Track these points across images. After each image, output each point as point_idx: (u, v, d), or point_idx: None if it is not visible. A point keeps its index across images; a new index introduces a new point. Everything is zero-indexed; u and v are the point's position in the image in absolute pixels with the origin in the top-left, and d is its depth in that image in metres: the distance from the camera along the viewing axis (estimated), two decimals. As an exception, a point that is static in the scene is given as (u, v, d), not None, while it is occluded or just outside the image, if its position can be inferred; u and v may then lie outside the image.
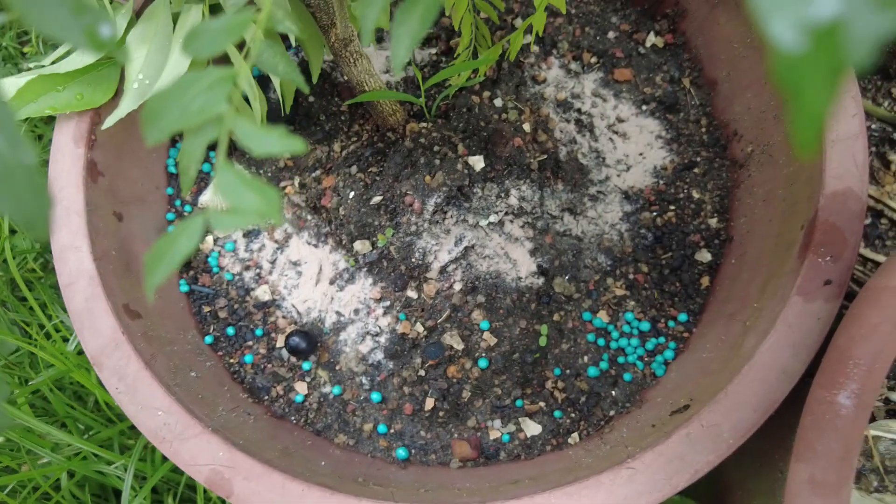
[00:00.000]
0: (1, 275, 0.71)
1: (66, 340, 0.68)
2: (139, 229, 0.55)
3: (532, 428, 0.50)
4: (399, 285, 0.53)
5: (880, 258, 0.55)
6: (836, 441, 0.34)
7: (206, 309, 0.55)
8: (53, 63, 0.51)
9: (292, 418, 0.52)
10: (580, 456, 0.46)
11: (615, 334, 0.53)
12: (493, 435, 0.51)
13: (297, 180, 0.57)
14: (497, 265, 0.53)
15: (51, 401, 0.63)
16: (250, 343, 0.54)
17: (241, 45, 0.46)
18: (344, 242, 0.55)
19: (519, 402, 0.51)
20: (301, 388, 0.53)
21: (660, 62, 0.61)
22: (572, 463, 0.46)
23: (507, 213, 0.53)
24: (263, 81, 0.60)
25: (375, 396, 0.52)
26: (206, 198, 0.59)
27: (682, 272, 0.54)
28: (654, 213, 0.56)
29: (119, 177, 0.54)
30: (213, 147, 0.57)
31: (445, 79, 0.55)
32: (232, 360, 0.54)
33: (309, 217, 0.56)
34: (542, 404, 0.51)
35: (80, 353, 0.64)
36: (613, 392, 0.51)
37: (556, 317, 0.53)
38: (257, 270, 0.56)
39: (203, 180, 0.60)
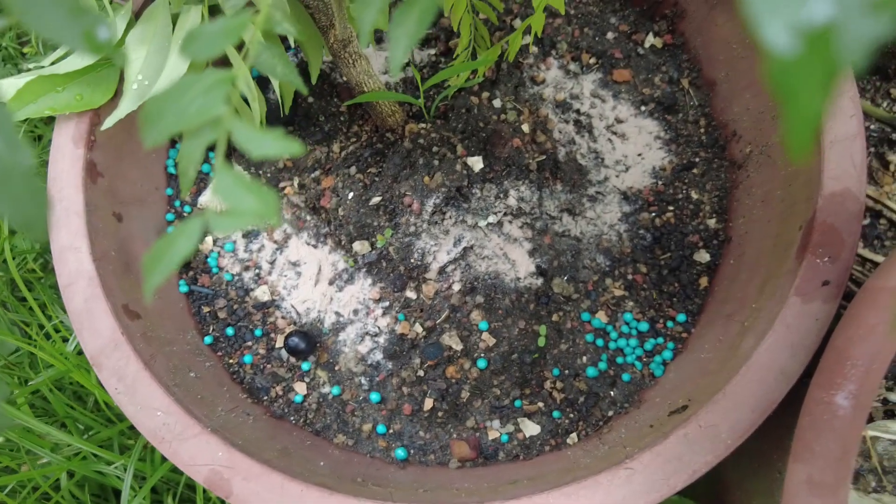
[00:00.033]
0: (1, 275, 0.71)
1: (65, 341, 0.68)
2: (139, 230, 0.55)
3: (531, 428, 0.51)
4: (398, 286, 0.53)
5: (879, 258, 0.56)
6: (833, 442, 0.34)
7: (206, 309, 0.55)
8: (53, 64, 0.51)
9: (291, 418, 0.52)
10: (578, 456, 0.47)
11: (614, 335, 0.53)
12: (492, 435, 0.51)
13: (296, 181, 0.57)
14: (496, 266, 0.53)
15: (50, 401, 0.63)
16: (249, 343, 0.54)
17: (240, 46, 0.46)
18: (343, 243, 0.55)
19: (518, 403, 0.51)
20: (300, 388, 0.53)
21: (658, 63, 0.61)
22: (571, 463, 0.46)
23: (505, 214, 0.53)
24: (263, 82, 0.60)
25: (374, 397, 0.52)
26: (206, 198, 0.59)
27: (680, 273, 0.54)
28: (653, 214, 0.56)
29: (118, 177, 0.54)
30: (212, 148, 0.57)
31: (444, 79, 0.55)
32: (231, 361, 0.54)
33: (308, 217, 0.56)
34: (540, 405, 0.51)
35: (80, 353, 0.64)
36: (612, 392, 0.51)
37: (554, 317, 0.53)
38: (257, 271, 0.56)
39: (203, 181, 0.60)
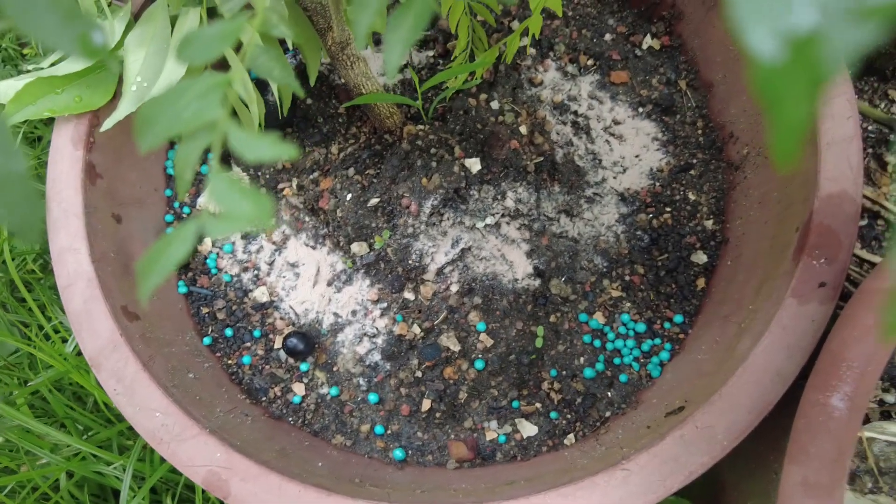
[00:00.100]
0: (0, 276, 0.71)
1: (64, 342, 0.68)
2: (138, 231, 0.55)
3: (528, 429, 0.51)
4: (396, 287, 0.53)
5: (876, 259, 0.56)
6: (829, 443, 0.34)
7: (205, 310, 0.56)
8: (52, 65, 0.51)
9: (290, 419, 0.52)
10: (576, 457, 0.47)
11: (611, 336, 0.53)
12: (490, 436, 0.51)
13: (295, 182, 0.57)
14: (493, 267, 0.53)
15: (50, 402, 0.63)
16: (248, 344, 0.55)
17: (238, 49, 0.46)
18: (341, 244, 0.55)
19: (515, 404, 0.51)
20: (299, 389, 0.53)
21: (656, 64, 0.61)
22: (568, 464, 0.46)
23: (503, 215, 0.53)
24: (262, 84, 0.60)
25: (372, 397, 0.52)
26: (205, 199, 0.59)
27: (677, 274, 0.54)
28: (651, 215, 0.56)
29: (118, 179, 0.54)
30: (210, 149, 0.57)
31: (442, 81, 0.55)
32: (230, 362, 0.54)
33: (307, 219, 0.57)
34: (538, 405, 0.51)
35: (79, 354, 0.64)
36: (609, 393, 0.51)
37: (552, 318, 0.53)
38: (255, 272, 0.56)
39: (202, 182, 0.60)
